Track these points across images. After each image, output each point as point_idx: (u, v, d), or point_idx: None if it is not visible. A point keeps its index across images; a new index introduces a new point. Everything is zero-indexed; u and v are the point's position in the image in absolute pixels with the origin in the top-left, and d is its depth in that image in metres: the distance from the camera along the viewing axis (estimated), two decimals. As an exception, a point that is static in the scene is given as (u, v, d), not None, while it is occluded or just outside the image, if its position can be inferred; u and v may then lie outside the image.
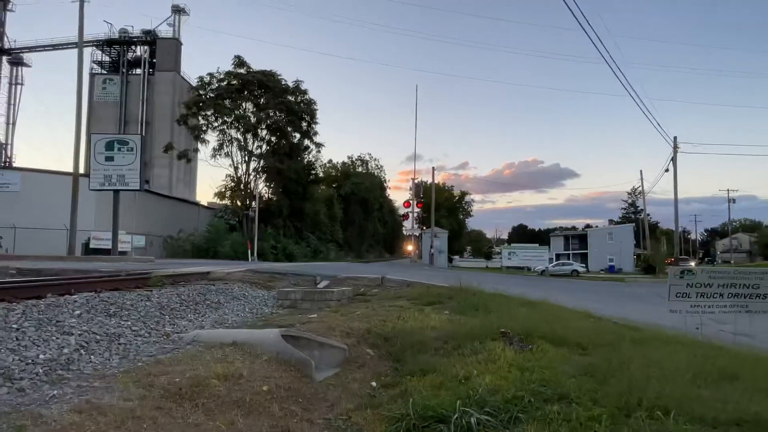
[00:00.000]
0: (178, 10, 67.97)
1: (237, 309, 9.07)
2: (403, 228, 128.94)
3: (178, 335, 6.35)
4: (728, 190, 79.78)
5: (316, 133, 50.23)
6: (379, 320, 6.85)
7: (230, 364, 4.40)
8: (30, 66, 69.91)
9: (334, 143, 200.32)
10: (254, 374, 4.29)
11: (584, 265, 60.31)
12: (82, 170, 29.62)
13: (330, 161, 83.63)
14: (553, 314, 7.26)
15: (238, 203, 47.28)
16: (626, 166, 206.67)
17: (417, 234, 59.17)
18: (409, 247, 54.53)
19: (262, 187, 48.56)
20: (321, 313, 8.06)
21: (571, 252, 79.86)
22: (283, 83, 47.98)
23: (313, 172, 54.22)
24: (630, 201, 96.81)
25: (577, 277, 46.33)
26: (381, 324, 6.63)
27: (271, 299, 10.35)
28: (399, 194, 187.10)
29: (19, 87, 70.09)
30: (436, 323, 6.69)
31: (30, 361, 4.54)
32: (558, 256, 74.71)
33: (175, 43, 68.35)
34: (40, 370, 4.34)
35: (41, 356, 4.70)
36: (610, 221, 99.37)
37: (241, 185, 46.91)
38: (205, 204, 55.64)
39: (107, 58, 68.78)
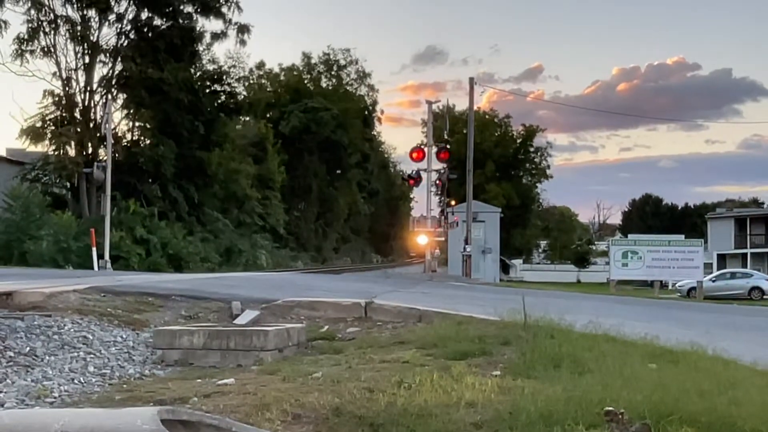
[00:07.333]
0: None
1: (72, 367, 7.65)
2: (411, 203, 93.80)
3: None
4: None
5: (235, 4, 36.25)
6: (360, 390, 5.71)
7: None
8: None
9: (274, 33, 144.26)
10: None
11: (775, 276, 45.21)
12: None
13: (262, 66, 62.67)
14: (711, 375, 6.05)
15: (71, 151, 34.00)
16: None
17: (437, 216, 39.84)
18: (421, 240, 38.33)
19: (120, 120, 35.76)
20: (243, 375, 6.88)
21: (749, 250, 59.42)
22: None
23: (226, 88, 40.40)
24: None
25: (761, 300, 36.08)
26: (364, 397, 5.53)
27: (142, 347, 8.87)
28: (400, 133, 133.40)
29: None
30: (478, 395, 5.52)
31: None
32: (723, 258, 57.80)
33: None
34: None
35: None
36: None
37: (77, 114, 34.11)
38: (3, 153, 40.29)
39: None
